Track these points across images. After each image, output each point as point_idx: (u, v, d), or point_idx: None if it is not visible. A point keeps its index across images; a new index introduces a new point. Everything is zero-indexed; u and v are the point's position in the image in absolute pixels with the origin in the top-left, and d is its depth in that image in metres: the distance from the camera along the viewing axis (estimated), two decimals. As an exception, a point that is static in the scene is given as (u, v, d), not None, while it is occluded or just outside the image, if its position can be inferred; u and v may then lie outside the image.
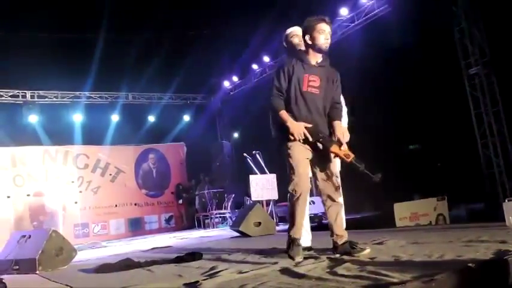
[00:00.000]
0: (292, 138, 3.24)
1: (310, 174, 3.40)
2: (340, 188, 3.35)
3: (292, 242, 3.24)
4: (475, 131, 8.24)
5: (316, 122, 3.30)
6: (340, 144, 3.24)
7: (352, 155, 3.18)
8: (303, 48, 3.47)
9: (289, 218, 3.34)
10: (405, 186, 8.71)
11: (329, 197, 3.30)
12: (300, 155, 3.28)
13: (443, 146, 8.72)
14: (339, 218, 3.27)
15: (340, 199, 3.34)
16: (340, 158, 3.23)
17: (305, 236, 3.61)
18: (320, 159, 3.32)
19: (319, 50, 3.34)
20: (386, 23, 9.15)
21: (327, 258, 3.15)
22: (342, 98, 3.68)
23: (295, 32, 3.81)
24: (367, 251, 3.07)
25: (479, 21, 8.23)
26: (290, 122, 3.26)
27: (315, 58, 3.37)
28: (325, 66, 3.41)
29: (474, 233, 3.71)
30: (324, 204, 3.34)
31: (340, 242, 3.22)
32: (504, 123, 7.94)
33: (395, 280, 2.05)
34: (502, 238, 3.11)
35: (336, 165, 3.42)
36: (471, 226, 4.78)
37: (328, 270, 2.67)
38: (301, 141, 3.24)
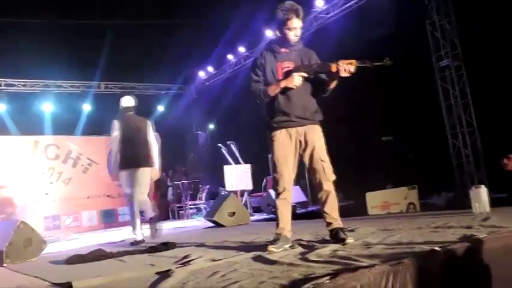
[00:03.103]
0: (298, 84, 3.16)
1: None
2: (329, 173, 3.24)
3: (277, 237, 3.18)
4: (445, 122, 8.46)
5: (296, 108, 3.23)
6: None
7: (353, 61, 3.07)
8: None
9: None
10: (378, 177, 8.87)
11: (317, 183, 3.27)
12: (281, 150, 3.25)
13: (415, 137, 8.90)
14: (327, 205, 3.23)
15: (329, 185, 3.23)
16: (345, 69, 3.08)
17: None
18: (305, 146, 3.26)
19: (287, 43, 3.31)
20: (361, 15, 9.23)
21: (299, 245, 3.18)
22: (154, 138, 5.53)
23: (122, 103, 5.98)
24: (351, 240, 3.05)
25: (450, 14, 8.42)
26: (281, 82, 3.22)
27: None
28: (298, 49, 3.36)
29: (442, 219, 3.82)
30: (317, 192, 3.32)
31: (329, 228, 3.23)
32: (473, 114, 8.18)
33: (364, 264, 2.09)
34: (468, 224, 3.22)
35: (322, 150, 3.27)
36: (440, 213, 4.92)
37: (300, 256, 2.70)
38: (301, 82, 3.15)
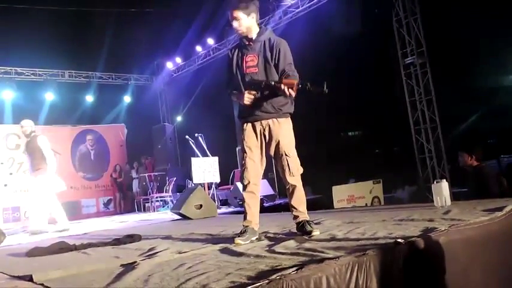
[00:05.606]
0: (247, 103, 3.18)
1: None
2: (293, 168, 3.21)
3: (244, 229, 3.16)
4: (409, 118, 8.68)
5: (258, 102, 3.19)
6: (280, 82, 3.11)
7: (295, 81, 3.04)
8: None
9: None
10: (345, 171, 9.04)
11: (283, 177, 3.27)
12: (247, 143, 3.25)
13: (382, 132, 9.10)
14: (294, 199, 3.24)
15: (293, 179, 3.22)
16: (286, 90, 3.02)
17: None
18: (269, 140, 3.24)
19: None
20: (330, 10, 9.31)
21: (266, 237, 3.20)
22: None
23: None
24: (317, 232, 3.07)
25: (416, 13, 8.62)
26: (236, 97, 3.28)
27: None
28: (262, 40, 3.27)
29: (406, 212, 3.90)
30: (284, 185, 3.33)
31: (296, 221, 3.24)
32: (436, 111, 8.43)
33: (330, 256, 2.12)
34: (430, 217, 3.30)
35: (287, 144, 3.23)
36: (403, 207, 5.04)
37: (267, 248, 2.71)
38: (252, 101, 3.17)
